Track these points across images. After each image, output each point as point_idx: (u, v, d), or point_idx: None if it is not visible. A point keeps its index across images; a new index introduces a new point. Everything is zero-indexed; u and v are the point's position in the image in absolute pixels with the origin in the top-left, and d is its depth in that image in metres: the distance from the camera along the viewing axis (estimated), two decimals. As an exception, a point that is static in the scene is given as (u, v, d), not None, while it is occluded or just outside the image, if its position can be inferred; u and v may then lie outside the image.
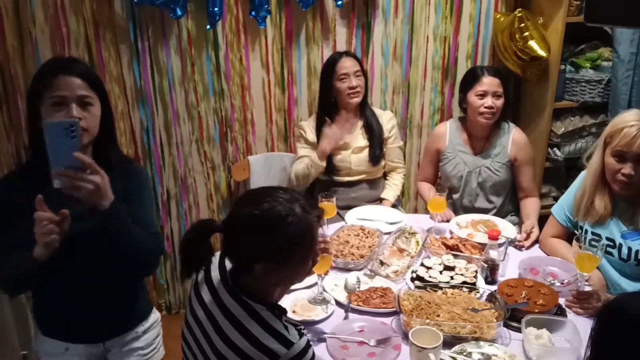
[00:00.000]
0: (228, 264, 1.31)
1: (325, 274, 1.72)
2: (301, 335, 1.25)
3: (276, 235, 1.20)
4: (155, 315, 1.71)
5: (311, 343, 1.26)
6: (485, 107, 2.31)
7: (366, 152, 2.53)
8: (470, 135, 2.46)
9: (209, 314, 1.27)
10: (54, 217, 1.28)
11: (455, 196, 2.48)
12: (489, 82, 2.32)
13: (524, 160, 2.39)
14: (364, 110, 2.56)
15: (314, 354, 1.26)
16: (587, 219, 1.86)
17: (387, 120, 2.60)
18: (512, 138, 2.39)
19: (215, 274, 1.32)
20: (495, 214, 2.41)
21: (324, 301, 1.72)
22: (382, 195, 2.62)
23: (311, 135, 2.53)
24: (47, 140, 1.26)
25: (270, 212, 1.20)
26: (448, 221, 2.25)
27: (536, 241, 2.09)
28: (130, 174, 1.55)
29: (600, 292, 1.68)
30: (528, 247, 2.07)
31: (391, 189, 2.63)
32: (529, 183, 2.41)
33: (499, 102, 2.33)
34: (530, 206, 2.35)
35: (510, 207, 2.50)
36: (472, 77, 2.38)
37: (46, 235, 1.27)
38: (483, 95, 2.32)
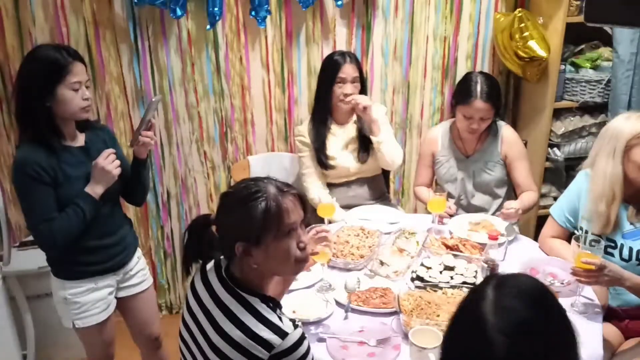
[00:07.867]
0: (223, 260, 1.35)
1: (328, 262, 1.84)
2: (296, 327, 1.26)
3: (246, 210, 1.23)
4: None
5: (306, 335, 1.27)
6: (471, 128, 2.31)
7: (355, 153, 2.51)
8: (461, 138, 2.45)
9: (204, 310, 1.29)
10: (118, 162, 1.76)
11: (453, 199, 2.46)
12: (477, 107, 2.25)
13: (515, 156, 2.39)
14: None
15: (309, 346, 1.27)
16: (606, 230, 1.81)
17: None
18: (502, 136, 2.39)
19: (211, 270, 1.35)
20: (495, 213, 2.40)
21: (330, 288, 1.79)
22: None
23: (309, 140, 2.51)
24: (150, 111, 1.85)
25: (243, 190, 1.27)
26: (451, 216, 2.25)
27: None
28: (106, 131, 1.97)
29: (606, 263, 1.64)
30: (507, 218, 2.14)
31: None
32: (525, 178, 2.38)
33: (485, 124, 2.31)
34: (525, 195, 2.33)
35: None
36: (465, 92, 2.30)
37: (117, 169, 1.75)
38: (470, 118, 2.29)
